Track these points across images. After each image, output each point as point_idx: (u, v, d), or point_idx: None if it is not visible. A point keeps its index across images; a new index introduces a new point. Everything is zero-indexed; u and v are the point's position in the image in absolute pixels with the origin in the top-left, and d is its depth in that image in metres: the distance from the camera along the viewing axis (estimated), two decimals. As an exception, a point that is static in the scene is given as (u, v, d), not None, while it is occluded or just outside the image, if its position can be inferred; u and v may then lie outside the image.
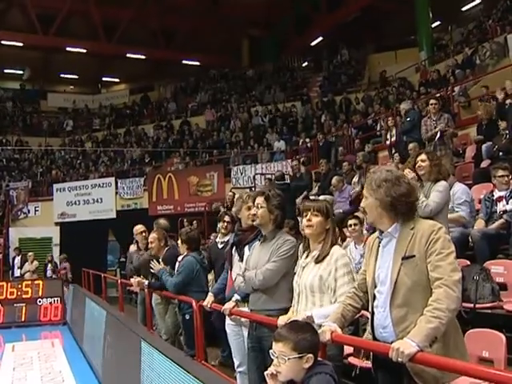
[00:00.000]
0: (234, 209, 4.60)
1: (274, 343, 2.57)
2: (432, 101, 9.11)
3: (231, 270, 4.59)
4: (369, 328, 3.03)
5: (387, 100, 18.40)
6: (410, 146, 8.99)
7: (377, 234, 2.91)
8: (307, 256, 3.54)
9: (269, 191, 4.03)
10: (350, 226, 6.41)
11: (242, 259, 4.41)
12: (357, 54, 24.11)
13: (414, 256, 2.63)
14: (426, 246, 2.61)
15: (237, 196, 4.67)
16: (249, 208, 4.40)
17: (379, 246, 2.84)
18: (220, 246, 5.91)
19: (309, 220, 3.50)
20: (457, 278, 2.53)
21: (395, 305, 2.66)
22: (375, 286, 2.81)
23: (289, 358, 2.49)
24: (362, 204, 2.92)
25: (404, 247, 2.68)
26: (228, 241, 5.39)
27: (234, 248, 4.55)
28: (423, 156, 5.36)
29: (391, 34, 23.81)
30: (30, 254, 16.99)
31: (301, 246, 3.67)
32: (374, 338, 2.81)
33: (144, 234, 7.67)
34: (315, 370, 2.53)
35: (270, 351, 2.57)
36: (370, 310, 2.86)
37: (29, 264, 16.54)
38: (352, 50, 24.11)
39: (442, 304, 2.46)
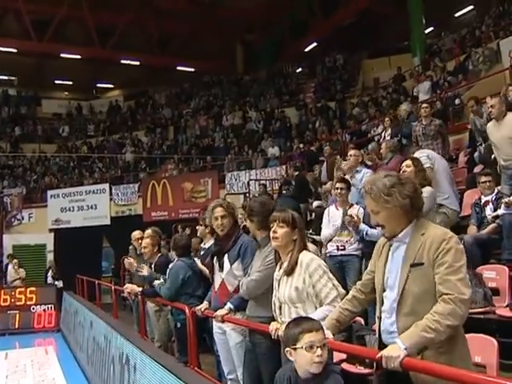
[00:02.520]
0: (207, 220, 4.63)
1: (309, 336, 2.56)
2: (424, 104, 9.13)
3: (213, 281, 4.57)
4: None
5: (381, 105, 18.42)
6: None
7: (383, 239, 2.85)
8: (280, 268, 3.54)
9: (246, 202, 4.08)
10: (337, 189, 6.44)
11: (221, 269, 4.40)
12: (351, 59, 24.17)
13: (423, 264, 2.54)
14: (435, 255, 2.52)
15: (209, 207, 4.70)
16: (216, 218, 4.42)
17: (389, 249, 2.77)
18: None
19: (274, 232, 3.49)
20: (466, 297, 2.43)
21: (402, 313, 2.59)
22: (384, 290, 2.75)
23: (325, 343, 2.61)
24: (375, 220, 2.78)
25: (413, 254, 2.60)
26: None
27: (215, 258, 4.53)
28: (408, 162, 5.40)
29: (385, 39, 23.89)
30: (14, 260, 16.64)
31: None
32: (381, 343, 2.74)
33: (141, 240, 7.58)
34: (330, 367, 2.65)
35: (303, 346, 2.57)
36: (377, 314, 2.78)
37: (15, 271, 16.27)
38: (346, 56, 24.18)
39: (446, 320, 2.39)
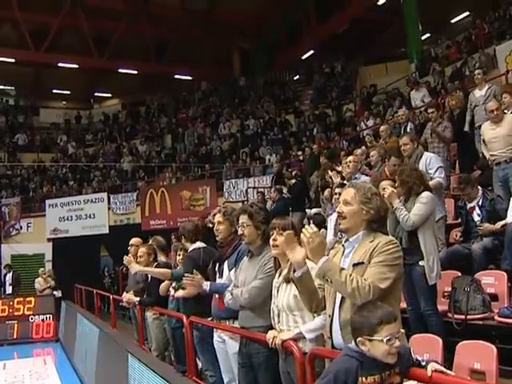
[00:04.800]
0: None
1: (389, 327, 2.39)
2: (429, 110, 9.22)
3: None
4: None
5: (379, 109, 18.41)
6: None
7: (341, 243, 3.02)
8: (279, 275, 3.54)
9: (251, 208, 4.04)
10: (336, 194, 6.45)
11: (221, 275, 4.42)
12: (347, 66, 24.20)
13: (363, 263, 2.75)
14: (374, 254, 2.74)
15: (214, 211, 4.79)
16: (215, 224, 4.56)
17: (342, 254, 2.94)
18: None
19: (274, 239, 3.53)
20: (381, 287, 2.63)
21: (343, 308, 2.76)
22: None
23: None
24: (341, 209, 2.94)
25: (358, 256, 2.80)
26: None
27: (217, 265, 4.54)
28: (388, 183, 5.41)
29: (381, 46, 23.95)
30: (41, 269, 16.78)
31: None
32: (332, 345, 2.83)
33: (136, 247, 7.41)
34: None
35: (383, 339, 2.36)
36: (329, 312, 2.88)
37: (44, 280, 16.21)
38: (343, 63, 24.22)
39: (356, 290, 2.59)
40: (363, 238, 2.86)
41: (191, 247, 5.47)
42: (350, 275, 2.64)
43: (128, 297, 6.82)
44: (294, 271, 2.91)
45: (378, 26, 23.71)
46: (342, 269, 2.71)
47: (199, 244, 5.44)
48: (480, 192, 6.11)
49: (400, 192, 5.22)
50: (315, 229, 2.75)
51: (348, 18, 22.38)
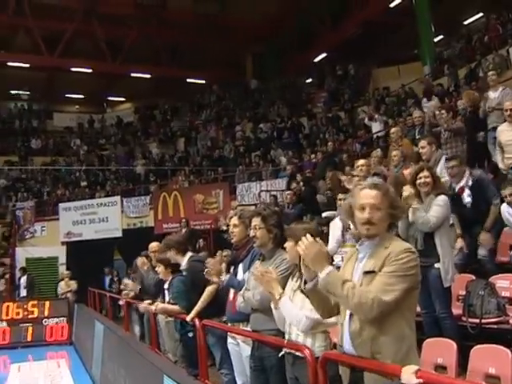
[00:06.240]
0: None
1: None
2: (442, 111, 9.18)
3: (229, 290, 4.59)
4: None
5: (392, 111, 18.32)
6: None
7: (356, 245, 2.89)
8: (297, 279, 3.49)
9: (264, 211, 4.05)
10: (340, 200, 6.45)
11: (236, 277, 4.43)
12: (360, 69, 24.13)
13: (374, 271, 2.60)
14: (386, 262, 2.59)
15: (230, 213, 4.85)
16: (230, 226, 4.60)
17: (356, 259, 2.80)
18: None
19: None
20: (386, 299, 2.49)
21: (353, 318, 2.64)
22: None
23: None
24: (370, 215, 2.67)
25: (371, 263, 2.65)
26: None
27: (232, 267, 4.56)
28: (426, 172, 5.24)
29: (393, 49, 23.83)
30: (65, 272, 16.99)
31: None
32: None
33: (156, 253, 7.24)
34: None
35: None
36: (341, 320, 2.78)
37: (65, 283, 16.30)
38: (355, 66, 24.15)
39: (359, 306, 2.49)
40: (379, 243, 2.67)
41: (186, 257, 5.61)
42: (353, 288, 2.52)
43: (143, 306, 6.79)
44: (305, 282, 2.83)
45: (389, 28, 23.58)
46: (346, 281, 2.58)
47: (191, 253, 5.68)
48: (467, 172, 6.06)
49: (431, 184, 5.17)
50: (310, 239, 2.63)
51: (361, 21, 22.34)
